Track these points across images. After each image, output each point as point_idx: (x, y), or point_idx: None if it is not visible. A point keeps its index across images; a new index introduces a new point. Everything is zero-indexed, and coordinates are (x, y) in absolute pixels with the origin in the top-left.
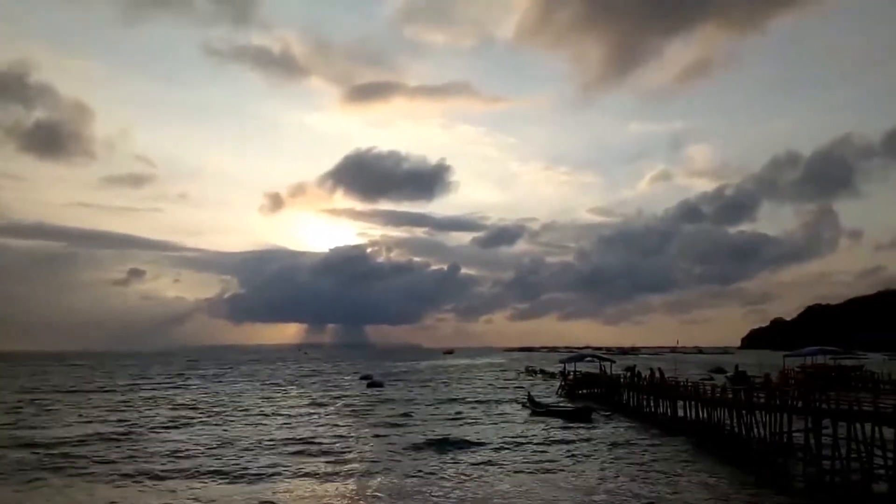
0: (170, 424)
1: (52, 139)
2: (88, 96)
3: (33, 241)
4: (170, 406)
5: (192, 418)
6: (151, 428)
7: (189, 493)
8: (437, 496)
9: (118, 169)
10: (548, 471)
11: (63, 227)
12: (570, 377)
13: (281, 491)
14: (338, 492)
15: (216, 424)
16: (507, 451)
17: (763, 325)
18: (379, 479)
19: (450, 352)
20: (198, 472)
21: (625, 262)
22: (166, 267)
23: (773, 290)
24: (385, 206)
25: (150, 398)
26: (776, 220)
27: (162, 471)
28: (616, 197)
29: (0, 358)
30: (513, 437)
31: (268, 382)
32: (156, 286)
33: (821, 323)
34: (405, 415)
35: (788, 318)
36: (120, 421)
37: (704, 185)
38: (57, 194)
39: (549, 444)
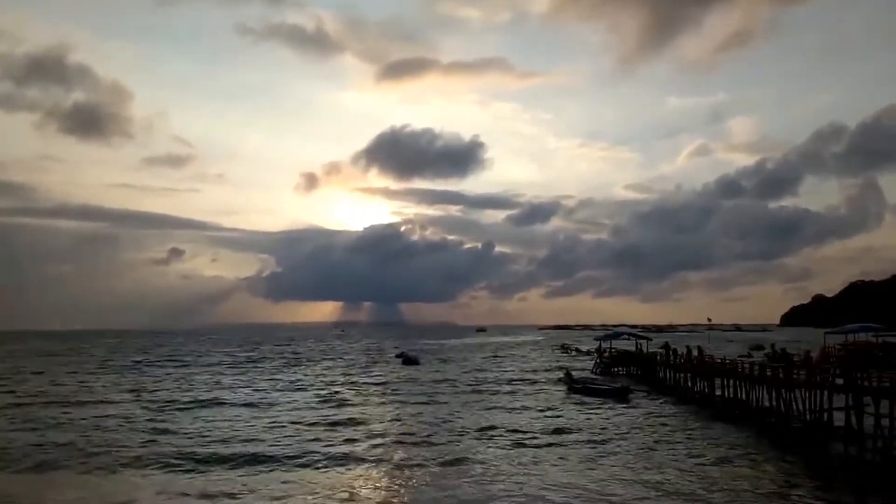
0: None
1: (92, 120)
2: (126, 78)
3: (78, 221)
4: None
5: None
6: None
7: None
8: (476, 481)
9: (157, 150)
10: (592, 457)
11: (106, 208)
12: (606, 354)
13: (318, 472)
14: (376, 476)
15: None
16: (545, 433)
17: (804, 302)
18: (418, 460)
19: (482, 329)
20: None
21: (661, 238)
22: (205, 246)
23: (814, 267)
24: (419, 184)
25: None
26: (819, 195)
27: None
28: (653, 173)
29: (54, 336)
30: (550, 418)
31: (309, 360)
32: (195, 265)
33: (864, 300)
34: (440, 393)
35: (830, 295)
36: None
37: (745, 160)
38: (98, 175)
39: (587, 426)
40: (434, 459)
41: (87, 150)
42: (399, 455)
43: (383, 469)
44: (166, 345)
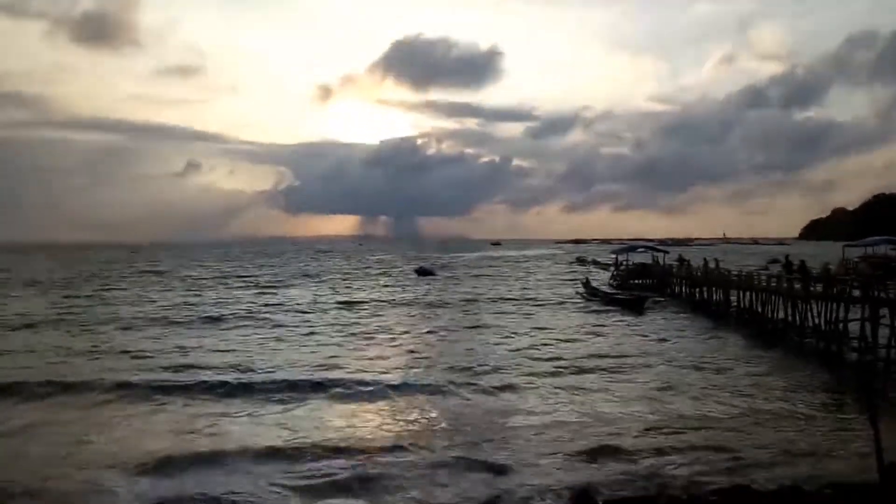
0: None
1: (101, 29)
2: None
3: (92, 134)
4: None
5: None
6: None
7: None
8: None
9: (168, 60)
10: (616, 369)
11: (120, 120)
12: (623, 267)
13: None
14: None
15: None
16: (563, 345)
17: (824, 215)
18: (443, 381)
19: (497, 243)
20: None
21: (683, 151)
22: (222, 159)
23: (837, 179)
24: (435, 95)
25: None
26: (847, 105)
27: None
28: (677, 83)
29: (73, 248)
30: (569, 329)
31: (330, 275)
32: (213, 179)
33: (885, 214)
34: (459, 303)
35: (851, 209)
36: None
37: (772, 69)
38: (111, 87)
39: (602, 336)
40: (469, 384)
41: (98, 61)
42: (429, 377)
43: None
44: (199, 259)
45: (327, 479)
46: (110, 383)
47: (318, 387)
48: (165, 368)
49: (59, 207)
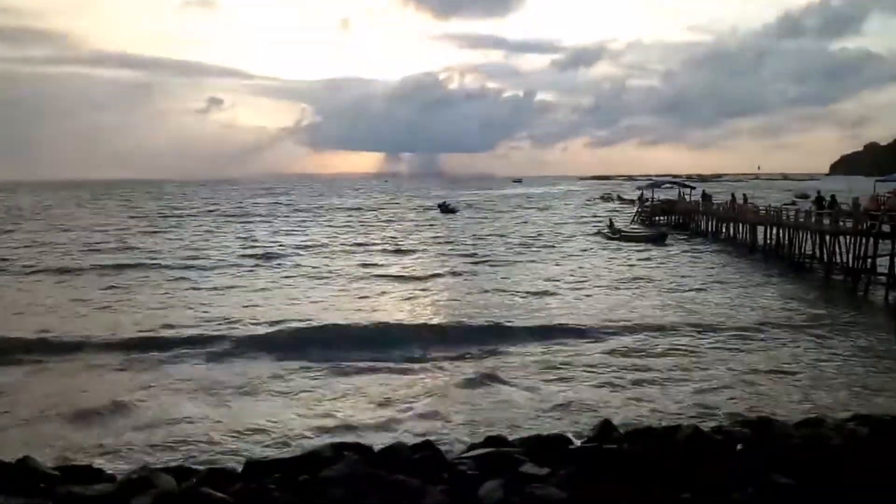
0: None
1: None
2: None
3: (115, 70)
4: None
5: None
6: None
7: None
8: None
9: None
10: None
11: (142, 55)
12: (648, 204)
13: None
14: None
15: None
16: (581, 274)
17: (856, 150)
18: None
19: (518, 181)
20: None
21: (713, 84)
22: (244, 95)
23: (870, 113)
24: (458, 26)
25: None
26: (885, 35)
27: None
28: (710, 12)
29: (100, 185)
30: (586, 267)
31: (361, 210)
32: (235, 115)
33: None
34: (479, 241)
35: (884, 143)
36: None
37: None
38: (132, 22)
39: (619, 267)
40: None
41: None
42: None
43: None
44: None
45: None
46: None
47: None
48: None
49: (84, 145)
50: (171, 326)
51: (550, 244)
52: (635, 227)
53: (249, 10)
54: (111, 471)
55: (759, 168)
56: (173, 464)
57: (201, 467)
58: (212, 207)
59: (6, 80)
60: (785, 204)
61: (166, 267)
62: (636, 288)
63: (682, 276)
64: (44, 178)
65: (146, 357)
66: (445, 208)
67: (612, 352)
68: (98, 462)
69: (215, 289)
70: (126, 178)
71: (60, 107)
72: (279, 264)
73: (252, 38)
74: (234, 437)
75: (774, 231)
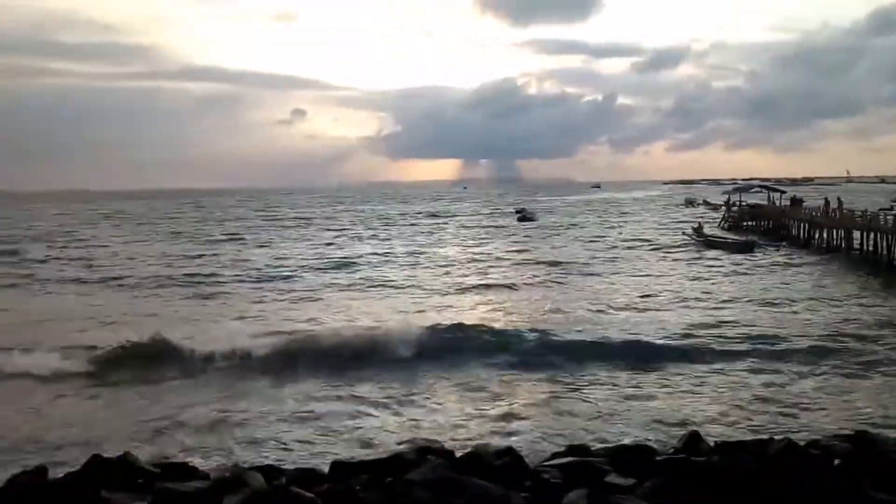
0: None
1: None
2: None
3: (204, 83)
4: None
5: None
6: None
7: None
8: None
9: (272, 8)
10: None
11: (229, 68)
12: (735, 209)
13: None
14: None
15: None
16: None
17: None
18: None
19: (597, 186)
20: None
21: (801, 84)
22: (325, 106)
23: None
24: (537, 32)
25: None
26: None
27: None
28: (796, 10)
29: (185, 194)
30: (673, 276)
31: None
32: (317, 125)
33: None
34: (559, 249)
35: None
36: None
37: None
38: (219, 35)
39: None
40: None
41: (206, 10)
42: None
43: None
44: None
45: None
46: None
47: None
48: None
49: (174, 156)
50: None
51: (634, 251)
52: (722, 232)
53: (330, 23)
54: (205, 468)
55: (847, 172)
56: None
57: (290, 467)
58: (309, 215)
59: (101, 95)
60: (882, 208)
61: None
62: (729, 300)
63: (775, 286)
64: (137, 188)
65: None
66: (524, 215)
67: (704, 366)
68: (192, 461)
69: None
70: (215, 188)
71: (152, 120)
72: (359, 273)
73: (333, 50)
74: (320, 438)
75: (872, 236)
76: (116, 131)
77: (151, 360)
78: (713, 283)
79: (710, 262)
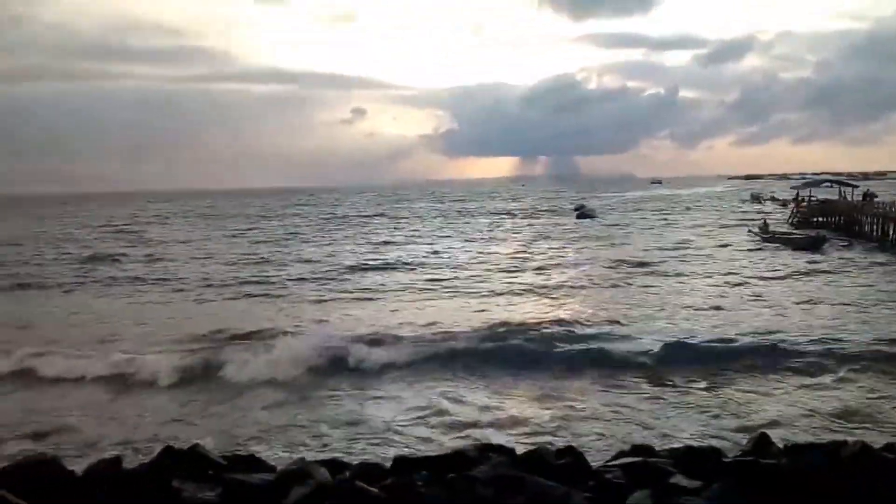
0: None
1: None
2: None
3: (267, 84)
4: None
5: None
6: None
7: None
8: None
9: (331, 8)
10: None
11: (291, 70)
12: (804, 204)
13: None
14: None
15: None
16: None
17: None
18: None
19: (658, 181)
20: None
21: (874, 73)
22: (385, 105)
23: None
24: (595, 26)
25: None
26: None
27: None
28: None
29: (249, 193)
30: (744, 274)
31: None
32: (377, 124)
33: None
34: (622, 247)
35: None
36: None
37: None
38: (280, 37)
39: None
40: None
41: (267, 12)
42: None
43: None
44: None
45: None
46: None
47: None
48: None
49: (239, 156)
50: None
51: (699, 249)
52: (790, 229)
53: (388, 22)
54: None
55: None
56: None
57: (353, 461)
58: (368, 212)
59: (169, 96)
60: None
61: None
62: (802, 301)
63: (851, 286)
64: (202, 188)
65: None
66: (583, 213)
67: (777, 369)
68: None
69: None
70: (276, 187)
71: (216, 121)
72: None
73: (392, 49)
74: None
75: None
76: (182, 132)
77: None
78: (783, 282)
79: (779, 260)
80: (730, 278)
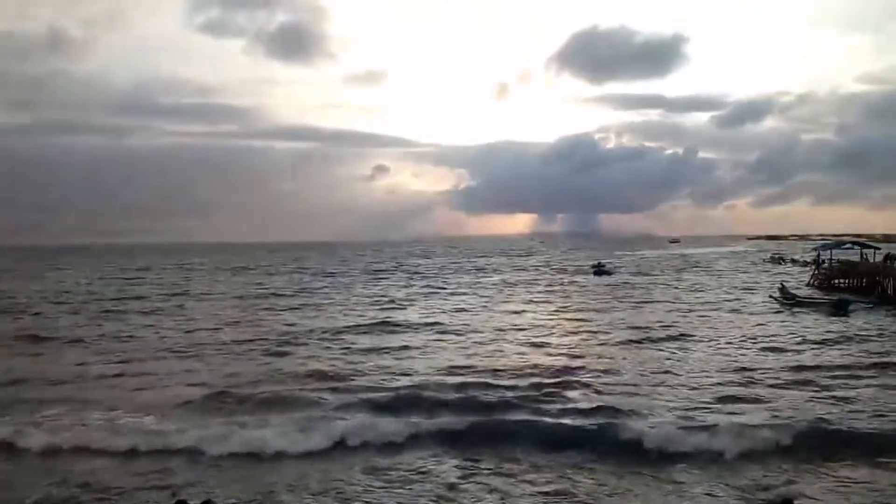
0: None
1: (295, 41)
2: None
3: (293, 142)
4: None
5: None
6: None
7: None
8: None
9: (356, 68)
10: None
11: (316, 127)
12: (826, 266)
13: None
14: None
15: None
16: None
17: None
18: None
19: (675, 241)
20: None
21: (895, 136)
22: (407, 162)
23: None
24: (615, 88)
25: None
26: None
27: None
28: (889, 60)
29: (280, 247)
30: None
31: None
32: (398, 181)
33: None
34: (638, 308)
35: None
36: None
37: None
38: (307, 97)
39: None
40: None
41: (294, 72)
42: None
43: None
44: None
45: None
46: None
47: None
48: None
49: (266, 210)
50: None
51: (718, 314)
52: (811, 291)
53: (412, 81)
54: None
55: None
56: None
57: None
58: (385, 267)
59: (199, 152)
60: None
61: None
62: (837, 372)
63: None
64: (232, 241)
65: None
66: (600, 270)
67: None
68: None
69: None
70: (302, 241)
71: (245, 176)
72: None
73: (414, 108)
74: None
75: None
76: (209, 187)
77: None
78: (815, 352)
79: (805, 325)
80: (748, 346)
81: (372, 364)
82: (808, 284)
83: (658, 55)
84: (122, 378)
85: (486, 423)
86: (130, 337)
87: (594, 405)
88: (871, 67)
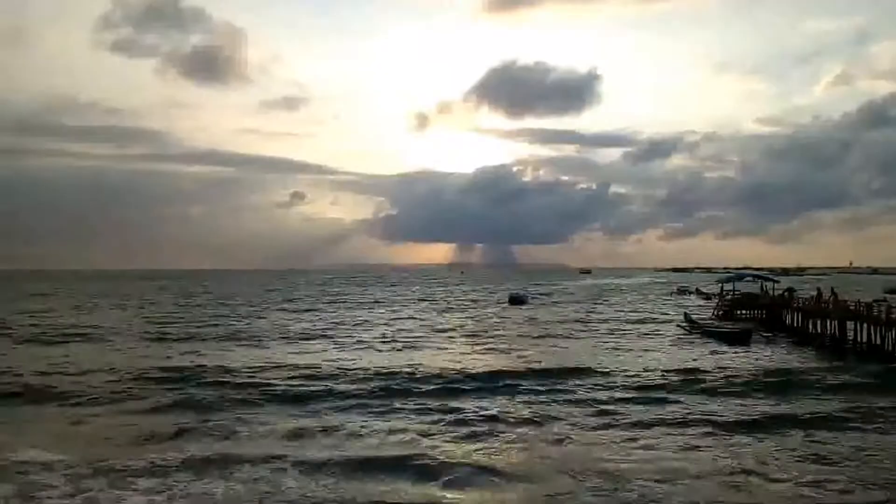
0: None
1: (210, 64)
2: (239, 20)
3: (204, 166)
4: None
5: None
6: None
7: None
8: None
9: (273, 94)
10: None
11: (229, 152)
12: (728, 297)
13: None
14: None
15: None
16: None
17: None
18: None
19: (587, 271)
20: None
21: (794, 175)
22: (325, 190)
23: None
24: (532, 122)
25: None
26: None
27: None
28: (787, 104)
29: (188, 275)
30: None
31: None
32: (316, 209)
33: None
34: (547, 335)
35: None
36: None
37: (892, 87)
38: (221, 121)
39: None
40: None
41: (208, 96)
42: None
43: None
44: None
45: None
46: None
47: None
48: None
49: (177, 237)
50: None
51: (629, 342)
52: (716, 321)
53: (329, 108)
54: None
55: (851, 263)
56: None
57: None
58: (298, 296)
59: (107, 176)
60: (876, 299)
61: None
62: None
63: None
64: (141, 268)
65: None
66: (516, 299)
67: None
68: None
69: None
70: (212, 269)
71: (155, 201)
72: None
73: (333, 135)
74: None
75: (865, 327)
76: (118, 211)
77: None
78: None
79: (712, 356)
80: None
81: None
82: (713, 314)
83: (573, 92)
84: None
85: None
86: None
87: None
88: (771, 110)
